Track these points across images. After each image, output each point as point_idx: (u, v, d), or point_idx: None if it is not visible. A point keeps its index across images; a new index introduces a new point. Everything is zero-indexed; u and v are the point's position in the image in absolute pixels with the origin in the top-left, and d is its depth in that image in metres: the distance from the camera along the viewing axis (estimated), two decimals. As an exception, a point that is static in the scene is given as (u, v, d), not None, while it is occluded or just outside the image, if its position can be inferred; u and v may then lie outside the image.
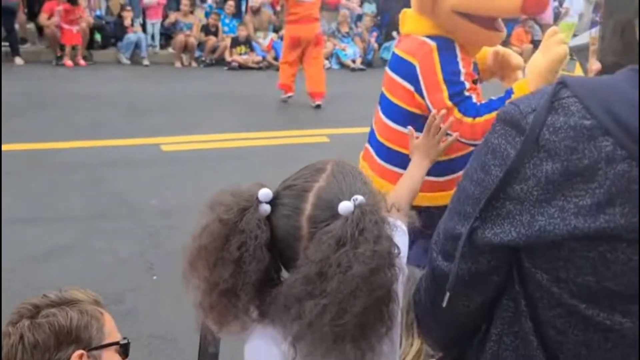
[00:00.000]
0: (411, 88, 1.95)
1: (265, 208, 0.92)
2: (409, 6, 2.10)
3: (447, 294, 0.81)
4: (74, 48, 8.01)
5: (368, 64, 9.78)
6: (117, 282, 2.88)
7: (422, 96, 1.92)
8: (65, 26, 7.87)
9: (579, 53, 8.99)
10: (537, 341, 0.79)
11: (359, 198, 0.88)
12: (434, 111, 1.45)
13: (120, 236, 3.34)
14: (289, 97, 6.78)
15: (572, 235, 0.70)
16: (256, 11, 9.34)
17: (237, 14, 9.57)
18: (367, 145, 2.20)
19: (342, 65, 9.55)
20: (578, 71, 10.33)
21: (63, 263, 3.03)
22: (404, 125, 1.80)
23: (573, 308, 0.75)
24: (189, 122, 5.81)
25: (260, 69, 8.83)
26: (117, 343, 1.10)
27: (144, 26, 8.92)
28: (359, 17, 10.50)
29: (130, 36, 8.40)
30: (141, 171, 4.39)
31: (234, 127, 5.70)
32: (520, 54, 9.97)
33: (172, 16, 8.85)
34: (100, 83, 7.27)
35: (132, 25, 8.56)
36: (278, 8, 8.91)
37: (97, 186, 4.04)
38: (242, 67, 8.74)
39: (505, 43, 9.71)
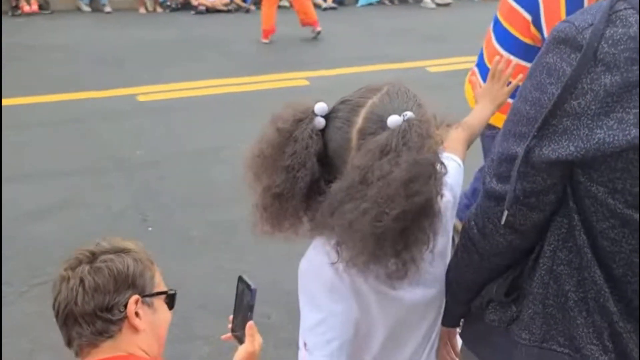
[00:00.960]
0: (529, 18, 1.91)
1: (320, 120, 0.96)
2: None
3: (505, 213, 0.83)
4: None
5: (339, 1, 9.52)
6: (112, 235, 2.83)
7: (539, 28, 1.88)
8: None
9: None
10: (590, 253, 0.82)
11: (408, 114, 0.90)
12: (497, 57, 1.43)
13: (111, 189, 3.28)
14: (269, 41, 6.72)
15: (631, 145, 0.72)
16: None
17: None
18: (475, 68, 2.20)
19: (313, 5, 9.26)
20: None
21: (58, 219, 2.97)
22: (516, 55, 1.79)
23: (628, 217, 0.77)
24: (161, 70, 5.61)
25: (229, 11, 8.51)
26: (166, 292, 1.11)
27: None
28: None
29: (88, -19, 7.94)
30: (121, 123, 4.26)
31: (209, 74, 5.53)
32: None
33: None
34: (62, 33, 6.91)
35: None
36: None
37: (82, 140, 3.92)
38: (209, 10, 8.40)
39: None
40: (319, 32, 6.98)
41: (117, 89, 4.96)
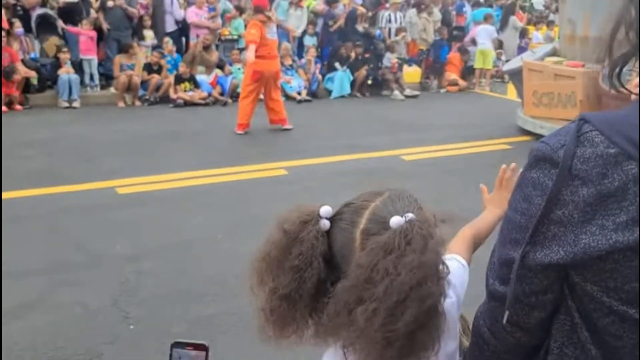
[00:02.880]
0: None
1: (325, 223, 1.00)
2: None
3: (507, 313, 0.91)
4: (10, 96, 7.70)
5: (313, 94, 9.93)
6: (91, 336, 2.72)
7: None
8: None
9: (513, 77, 9.48)
10: (595, 349, 0.87)
11: (410, 215, 0.95)
12: (504, 165, 1.53)
13: (87, 287, 3.17)
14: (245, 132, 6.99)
15: (614, 249, 0.80)
16: (206, 48, 9.34)
17: (179, 51, 9.52)
18: None
19: (288, 97, 9.65)
20: (511, 93, 10.85)
21: (29, 321, 2.83)
22: None
23: (625, 314, 0.83)
24: (141, 162, 5.65)
25: (207, 104, 8.77)
26: None
27: (80, 65, 8.68)
28: (300, 50, 10.69)
29: (63, 76, 8.13)
30: (99, 217, 4.21)
31: (188, 166, 5.59)
32: (455, 80, 10.33)
33: (116, 59, 8.67)
34: (41, 128, 6.97)
35: (69, 66, 8.31)
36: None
37: (55, 236, 3.83)
38: (187, 104, 8.65)
39: (442, 68, 10.10)
40: (287, 129, 7.25)
41: (96, 182, 4.95)
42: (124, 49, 8.78)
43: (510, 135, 7.51)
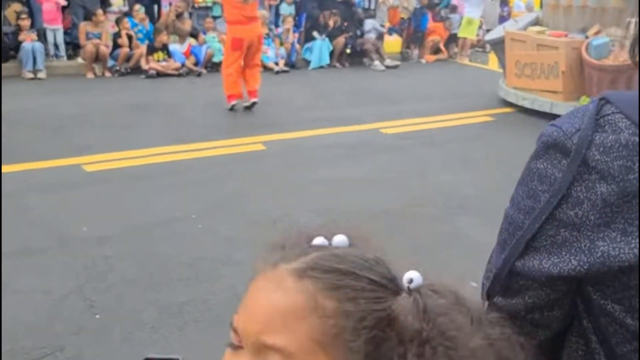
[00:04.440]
0: None
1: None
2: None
3: None
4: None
5: (291, 65, 9.66)
6: (55, 325, 2.55)
7: None
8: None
9: (495, 46, 9.34)
10: None
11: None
12: None
13: (52, 271, 2.98)
14: (236, 104, 6.50)
15: None
16: (178, 16, 8.95)
17: (150, 20, 9.11)
18: None
19: (265, 68, 9.36)
20: (493, 63, 10.78)
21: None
22: None
23: None
24: (110, 137, 5.39)
25: (180, 75, 8.44)
26: None
27: (45, 34, 8.24)
28: (277, 19, 10.36)
29: (26, 45, 7.69)
30: (65, 195, 3.98)
31: (161, 140, 5.36)
32: (438, 43, 10.19)
33: (82, 27, 8.25)
34: (4, 100, 6.61)
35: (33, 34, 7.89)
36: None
37: (18, 216, 3.60)
38: (160, 74, 8.31)
39: (423, 37, 9.91)
40: (254, 103, 6.63)
41: (63, 158, 4.70)
42: (89, 17, 8.35)
43: (492, 107, 7.40)
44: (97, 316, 2.64)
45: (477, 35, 12.26)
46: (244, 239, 3.38)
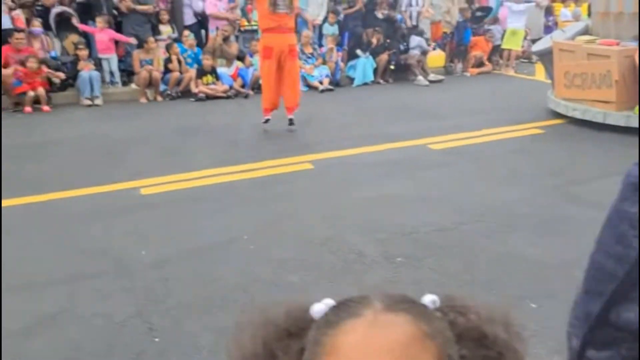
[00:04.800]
0: None
1: None
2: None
3: None
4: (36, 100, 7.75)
5: (336, 83, 9.75)
6: (117, 350, 2.64)
7: None
8: (26, 84, 7.64)
9: (542, 57, 9.11)
10: None
11: None
12: None
13: (112, 296, 3.10)
14: (268, 120, 6.58)
15: None
16: (225, 39, 9.22)
17: (198, 44, 9.41)
18: None
19: (310, 87, 9.49)
20: (540, 73, 10.49)
21: (51, 335, 2.75)
22: None
23: None
24: (165, 160, 5.59)
25: (228, 97, 8.66)
26: None
27: (99, 62, 8.65)
28: (320, 37, 10.49)
29: (83, 74, 8.10)
30: (123, 219, 4.14)
31: (211, 162, 5.50)
32: (482, 58, 10.03)
33: (135, 55, 8.62)
34: (64, 127, 6.97)
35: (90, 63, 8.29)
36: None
37: (77, 241, 3.77)
38: (209, 97, 8.56)
39: (466, 51, 9.81)
40: (291, 121, 6.61)
41: (120, 182, 4.89)
42: (142, 45, 8.72)
43: (541, 119, 7.22)
44: (157, 339, 2.73)
45: (522, 46, 12.01)
46: (297, 261, 3.43)
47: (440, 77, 10.58)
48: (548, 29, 13.00)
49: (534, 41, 12.16)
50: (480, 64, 11.37)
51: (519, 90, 9.64)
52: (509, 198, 4.49)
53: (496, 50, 11.75)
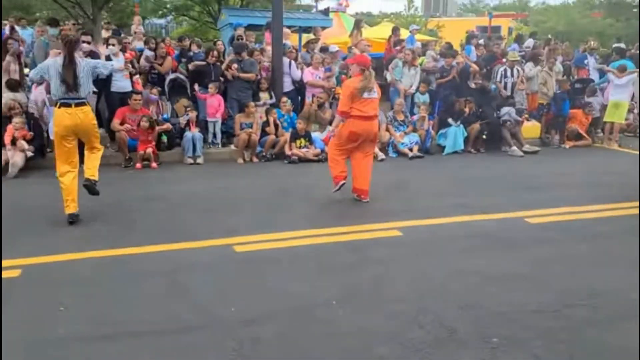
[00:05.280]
0: None
1: None
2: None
3: None
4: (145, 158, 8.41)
5: (425, 151, 9.74)
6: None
7: None
8: (140, 142, 8.39)
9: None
10: None
11: None
12: None
13: (202, 351, 3.17)
14: (343, 184, 6.55)
15: None
16: (320, 106, 9.61)
17: (294, 109, 9.85)
18: None
19: (399, 154, 9.55)
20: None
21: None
22: None
23: None
24: (258, 219, 5.77)
25: (319, 161, 8.90)
26: None
27: (206, 124, 9.26)
28: (412, 106, 10.62)
29: (187, 134, 8.71)
30: (217, 275, 4.28)
31: (304, 224, 5.61)
32: (576, 130, 9.64)
33: (237, 118, 9.18)
34: (167, 183, 7.45)
35: (195, 125, 8.92)
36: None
37: (174, 294, 3.93)
38: (301, 160, 8.85)
39: (564, 122, 9.49)
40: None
41: (216, 239, 5.10)
42: (243, 109, 9.27)
43: (650, 197, 6.73)
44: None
45: (627, 119, 11.45)
46: (385, 333, 3.34)
47: (536, 148, 10.26)
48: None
49: (640, 114, 11.55)
50: (577, 136, 10.94)
51: (622, 165, 9.10)
52: (614, 282, 4.16)
53: (596, 122, 11.28)
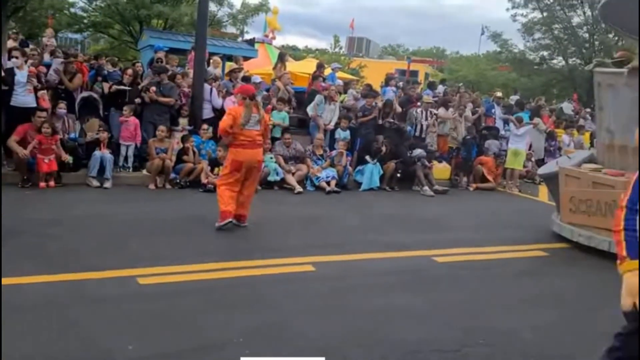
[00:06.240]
0: None
1: None
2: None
3: None
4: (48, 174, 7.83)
5: (343, 186, 9.87)
6: None
7: None
8: (40, 156, 7.75)
9: (547, 181, 9.30)
10: None
11: None
12: None
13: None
14: (229, 222, 6.37)
15: None
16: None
17: (214, 137, 9.67)
18: None
19: (317, 188, 9.60)
20: (543, 194, 10.65)
21: None
22: None
23: None
24: (165, 249, 5.50)
25: (236, 191, 8.72)
26: None
27: (118, 146, 8.84)
28: (332, 142, 10.79)
29: (96, 154, 8.21)
30: (116, 309, 3.99)
31: (214, 256, 5.41)
32: (481, 173, 10.14)
33: (150, 143, 8.84)
34: (69, 207, 6.97)
35: (106, 146, 8.46)
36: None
37: (64, 328, 3.60)
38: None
39: (471, 166, 9.98)
40: (229, 222, 6.38)
41: (118, 269, 4.78)
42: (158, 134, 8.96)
43: (545, 241, 7.21)
44: None
45: (525, 166, 12.31)
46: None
47: (446, 188, 10.74)
48: (549, 153, 13.42)
49: (539, 162, 12.51)
50: (483, 179, 11.60)
51: (522, 210, 9.72)
52: (516, 322, 4.34)
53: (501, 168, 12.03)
